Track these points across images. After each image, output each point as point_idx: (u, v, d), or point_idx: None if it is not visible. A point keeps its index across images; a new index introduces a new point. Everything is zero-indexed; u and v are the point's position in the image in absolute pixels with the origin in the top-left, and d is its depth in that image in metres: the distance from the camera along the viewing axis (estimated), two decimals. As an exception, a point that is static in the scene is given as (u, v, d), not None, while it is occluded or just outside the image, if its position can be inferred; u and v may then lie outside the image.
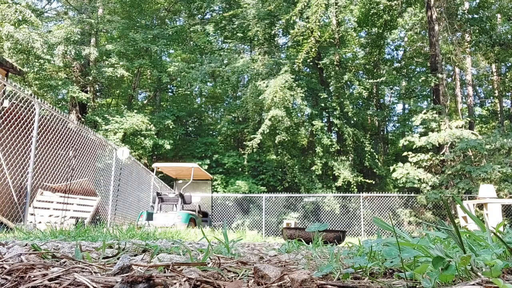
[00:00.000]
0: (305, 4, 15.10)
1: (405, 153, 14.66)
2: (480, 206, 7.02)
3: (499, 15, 18.84)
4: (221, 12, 22.24)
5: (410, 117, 18.38)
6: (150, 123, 18.02)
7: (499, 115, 22.48)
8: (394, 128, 24.88)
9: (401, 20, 20.25)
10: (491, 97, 24.08)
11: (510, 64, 20.69)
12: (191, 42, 23.36)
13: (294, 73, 17.06)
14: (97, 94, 21.50)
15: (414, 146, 14.08)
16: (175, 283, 0.79)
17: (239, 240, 1.86)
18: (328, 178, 18.10)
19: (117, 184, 9.83)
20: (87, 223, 7.25)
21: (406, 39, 22.84)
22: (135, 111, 19.24)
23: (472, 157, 13.96)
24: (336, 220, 15.68)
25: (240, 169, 18.55)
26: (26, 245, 1.66)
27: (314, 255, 1.60)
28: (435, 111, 14.76)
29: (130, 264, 0.93)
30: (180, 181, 12.92)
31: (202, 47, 21.89)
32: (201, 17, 23.87)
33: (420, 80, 17.07)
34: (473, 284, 0.77)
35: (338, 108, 17.48)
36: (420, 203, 14.48)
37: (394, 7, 18.73)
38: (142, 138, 17.98)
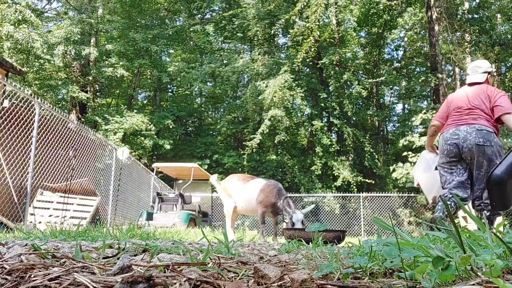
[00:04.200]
0: (305, 3, 15.10)
1: (405, 153, 14.66)
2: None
3: (499, 15, 18.84)
4: (221, 12, 22.24)
5: (410, 117, 18.37)
6: (150, 123, 18.01)
7: (499, 115, 22.44)
8: (394, 128, 24.87)
9: (401, 20, 20.24)
10: (491, 97, 24.05)
11: (510, 64, 20.68)
12: (191, 42, 23.36)
13: (294, 73, 17.05)
14: (97, 94, 21.50)
15: (414, 146, 14.08)
16: (175, 283, 0.79)
17: (239, 240, 1.86)
18: (328, 178, 18.08)
19: (117, 184, 9.83)
20: (87, 223, 7.24)
21: (406, 39, 22.83)
22: (135, 111, 19.23)
23: (472, 157, 13.94)
24: (336, 220, 15.67)
25: (240, 169, 18.54)
26: (26, 245, 1.66)
27: (314, 255, 1.60)
28: (435, 111, 14.75)
29: (130, 264, 0.93)
30: (180, 181, 12.92)
31: (202, 47, 21.88)
32: (201, 17, 23.86)
33: (420, 80, 17.08)
34: (473, 284, 0.77)
35: (338, 108, 17.48)
36: (420, 203, 14.48)
37: (394, 7, 18.72)
38: (142, 138, 17.97)
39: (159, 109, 21.63)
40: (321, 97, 17.98)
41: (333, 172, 17.22)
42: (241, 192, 6.10)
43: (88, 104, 19.06)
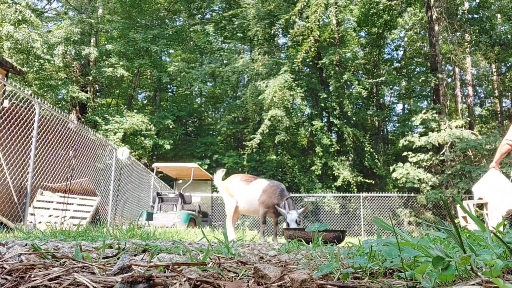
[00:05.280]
0: (305, 3, 15.10)
1: (405, 153, 14.65)
2: (480, 206, 7.02)
3: (499, 15, 18.84)
4: (221, 12, 22.24)
5: (410, 117, 18.37)
6: (150, 123, 18.01)
7: (499, 115, 22.48)
8: (394, 128, 24.87)
9: (401, 20, 20.23)
10: (491, 97, 24.07)
11: (510, 64, 20.68)
12: (191, 42, 23.36)
13: (294, 73, 17.04)
14: (97, 94, 21.50)
15: (414, 146, 14.08)
16: (175, 283, 0.79)
17: (239, 240, 1.86)
18: (328, 178, 18.08)
19: (117, 184, 9.83)
20: (87, 223, 7.24)
21: (406, 39, 22.83)
22: (135, 111, 19.23)
23: (472, 157, 13.97)
24: (336, 220, 15.67)
25: (240, 169, 18.54)
26: (26, 245, 1.66)
27: (314, 255, 1.60)
28: (435, 111, 14.76)
29: (130, 264, 0.93)
30: (180, 181, 12.92)
31: (202, 47, 21.88)
32: (201, 17, 23.86)
33: (420, 80, 17.07)
34: (473, 284, 0.77)
35: (338, 108, 17.47)
36: (420, 203, 14.48)
37: (394, 7, 18.72)
38: (142, 138, 17.97)
39: (159, 109, 21.64)
40: (321, 97, 17.97)
41: (333, 172, 17.22)
42: (243, 192, 6.10)
43: (88, 104, 19.06)
